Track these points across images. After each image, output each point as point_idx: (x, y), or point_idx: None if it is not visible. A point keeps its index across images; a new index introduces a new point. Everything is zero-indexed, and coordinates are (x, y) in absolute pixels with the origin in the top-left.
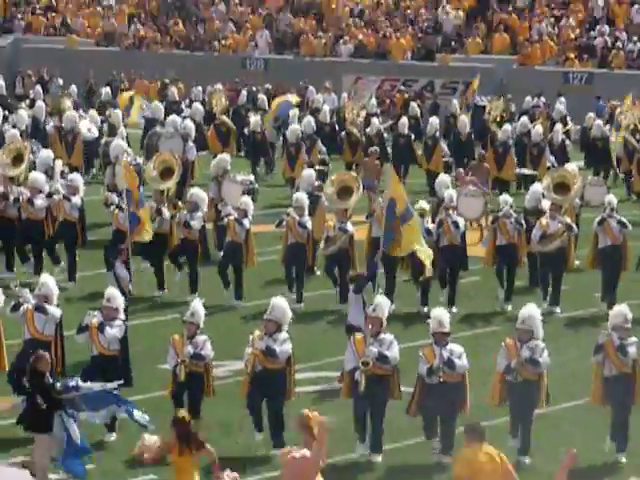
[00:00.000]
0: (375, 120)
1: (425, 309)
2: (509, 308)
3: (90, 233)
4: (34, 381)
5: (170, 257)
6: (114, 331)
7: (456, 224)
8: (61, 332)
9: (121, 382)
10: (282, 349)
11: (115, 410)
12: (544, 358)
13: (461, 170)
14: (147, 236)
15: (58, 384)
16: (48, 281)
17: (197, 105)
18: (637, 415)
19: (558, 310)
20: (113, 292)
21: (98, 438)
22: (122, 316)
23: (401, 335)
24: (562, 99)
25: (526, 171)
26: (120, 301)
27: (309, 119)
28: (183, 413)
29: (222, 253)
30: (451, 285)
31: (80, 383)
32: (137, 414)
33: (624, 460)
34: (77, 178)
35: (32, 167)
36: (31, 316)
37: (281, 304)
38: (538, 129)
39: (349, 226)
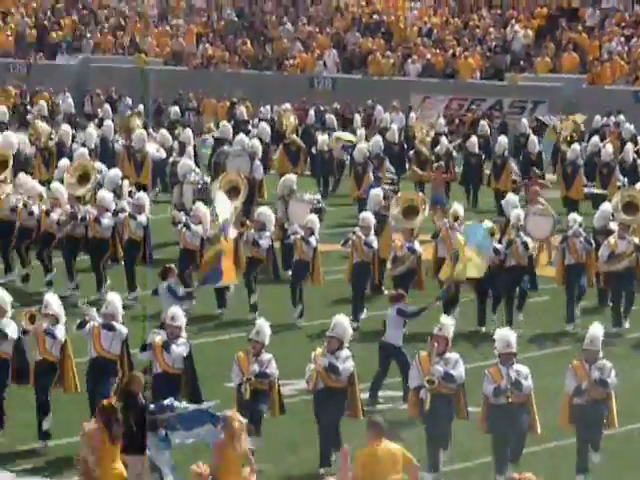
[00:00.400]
0: (444, 139)
1: (484, 329)
2: (576, 328)
3: (157, 252)
4: (127, 402)
5: (245, 282)
6: (180, 349)
7: (525, 245)
8: (127, 350)
9: (216, 402)
10: (345, 367)
11: (212, 430)
12: (612, 378)
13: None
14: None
15: (152, 405)
16: (114, 299)
17: (264, 125)
18: None
19: (627, 325)
20: (176, 311)
21: None
22: (185, 334)
23: (466, 354)
24: (622, 117)
25: (596, 190)
26: (183, 320)
27: (377, 138)
28: (108, 401)
29: (291, 272)
30: (519, 305)
31: (175, 403)
32: None
33: None
34: (143, 196)
35: (99, 186)
36: (98, 333)
37: (343, 321)
38: (608, 148)
39: (417, 246)
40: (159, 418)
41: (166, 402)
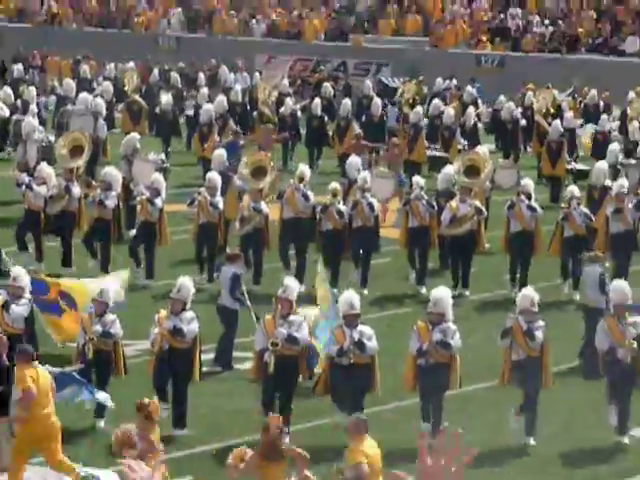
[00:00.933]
0: (289, 100)
1: (335, 290)
2: (423, 290)
3: (2, 210)
4: None
5: (85, 243)
6: (20, 309)
7: (371, 206)
8: None
9: (82, 366)
10: (189, 328)
11: (75, 390)
12: (455, 341)
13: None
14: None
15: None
16: None
17: (107, 83)
18: (546, 397)
19: (467, 293)
20: (19, 271)
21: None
22: (28, 295)
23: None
24: (454, 81)
25: (437, 153)
26: (26, 280)
27: (221, 98)
28: None
29: (134, 233)
30: (363, 266)
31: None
32: (98, 394)
33: (533, 443)
34: None
35: None
36: None
37: (187, 284)
38: (450, 111)
39: (263, 206)
40: None
41: None
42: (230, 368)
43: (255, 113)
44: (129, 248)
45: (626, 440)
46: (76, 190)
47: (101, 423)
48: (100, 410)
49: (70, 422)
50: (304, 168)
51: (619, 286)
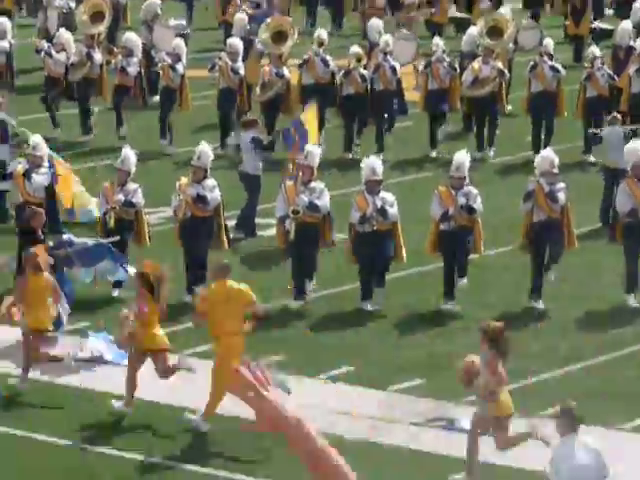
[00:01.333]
0: None
1: (349, 155)
2: (440, 153)
3: (22, 78)
4: (26, 237)
5: (115, 108)
6: (41, 178)
7: (394, 69)
8: None
9: (117, 238)
10: (212, 196)
11: (110, 265)
12: (478, 205)
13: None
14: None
15: (50, 241)
16: None
17: None
18: (565, 259)
19: (492, 153)
20: (38, 139)
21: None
22: (47, 164)
23: (333, 183)
24: None
25: (459, 14)
26: (46, 149)
27: None
28: None
29: (158, 99)
30: (389, 127)
31: (74, 238)
32: (131, 269)
33: (552, 278)
34: (5, 22)
35: None
36: None
37: (207, 150)
38: None
39: (285, 71)
40: (56, 254)
41: (64, 237)
42: (253, 235)
43: None
44: (160, 117)
45: None
46: (98, 57)
47: (116, 292)
48: (119, 281)
49: (88, 293)
50: (322, 32)
51: (637, 147)
